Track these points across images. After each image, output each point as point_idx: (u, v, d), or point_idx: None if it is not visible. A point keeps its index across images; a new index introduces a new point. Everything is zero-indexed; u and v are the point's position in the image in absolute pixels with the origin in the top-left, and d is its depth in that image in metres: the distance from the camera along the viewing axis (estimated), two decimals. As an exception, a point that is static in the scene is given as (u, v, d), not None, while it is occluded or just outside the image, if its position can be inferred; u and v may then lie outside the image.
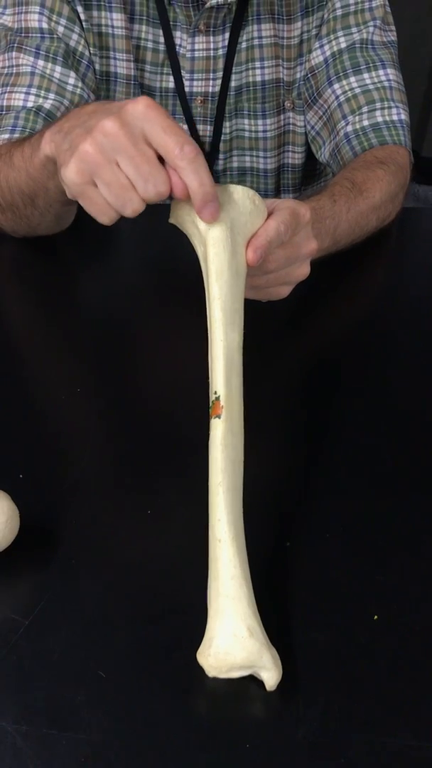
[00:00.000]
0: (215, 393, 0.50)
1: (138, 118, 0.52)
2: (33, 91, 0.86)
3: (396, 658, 0.47)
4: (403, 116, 0.95)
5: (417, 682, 0.46)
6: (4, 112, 0.86)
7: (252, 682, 0.44)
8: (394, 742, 0.42)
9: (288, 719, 0.43)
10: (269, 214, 0.58)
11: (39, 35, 0.88)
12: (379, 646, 0.47)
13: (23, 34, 0.88)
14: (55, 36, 0.88)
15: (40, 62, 0.87)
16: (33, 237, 0.84)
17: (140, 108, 0.52)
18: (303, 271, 0.64)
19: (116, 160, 0.53)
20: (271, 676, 0.43)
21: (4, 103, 0.87)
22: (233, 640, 0.44)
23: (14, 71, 0.88)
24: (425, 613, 0.49)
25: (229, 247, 0.54)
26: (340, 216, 0.78)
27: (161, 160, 0.53)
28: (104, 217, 0.56)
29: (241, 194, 0.56)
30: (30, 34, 0.88)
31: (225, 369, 0.51)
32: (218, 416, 0.49)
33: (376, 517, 0.56)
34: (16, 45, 0.88)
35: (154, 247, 0.91)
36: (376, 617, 0.49)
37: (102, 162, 0.53)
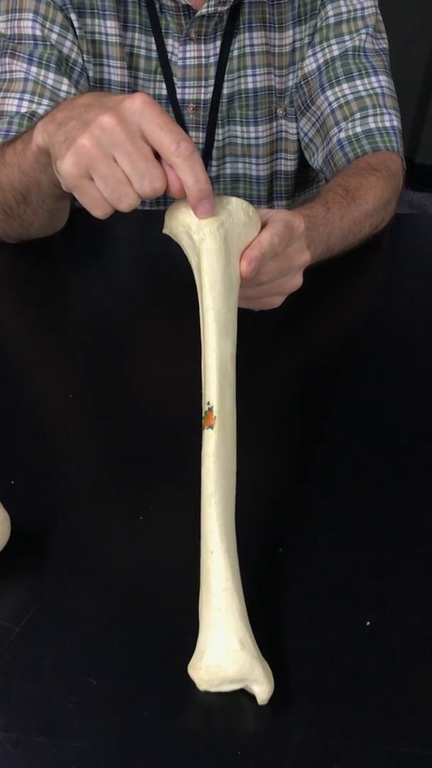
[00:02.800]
0: (208, 404, 0.50)
1: (135, 114, 0.52)
2: (27, 97, 0.86)
3: (388, 664, 0.47)
4: (395, 122, 0.95)
5: (410, 688, 0.46)
6: None
7: (243, 694, 0.44)
8: (387, 750, 0.42)
9: (280, 728, 0.43)
10: (263, 226, 0.58)
11: (32, 42, 0.88)
12: (372, 653, 0.47)
13: (16, 41, 0.88)
14: (48, 43, 0.88)
15: (33, 69, 0.87)
16: (26, 241, 0.84)
17: (137, 104, 0.52)
18: (296, 282, 0.64)
19: (113, 155, 0.53)
20: (263, 689, 0.43)
21: None
22: (225, 653, 0.43)
23: (7, 77, 0.88)
24: (417, 618, 0.50)
25: (223, 258, 0.54)
26: (333, 223, 0.78)
27: (158, 156, 0.53)
28: (99, 210, 0.56)
29: (235, 205, 0.56)
30: (23, 41, 0.88)
31: (218, 380, 0.51)
32: (211, 427, 0.49)
33: (369, 523, 0.56)
34: (9, 51, 0.88)
35: (148, 256, 0.91)
36: (368, 623, 0.49)
37: (99, 156, 0.53)
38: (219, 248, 0.54)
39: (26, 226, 0.80)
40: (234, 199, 0.57)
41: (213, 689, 0.44)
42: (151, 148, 0.53)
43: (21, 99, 0.86)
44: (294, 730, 0.43)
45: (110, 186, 0.54)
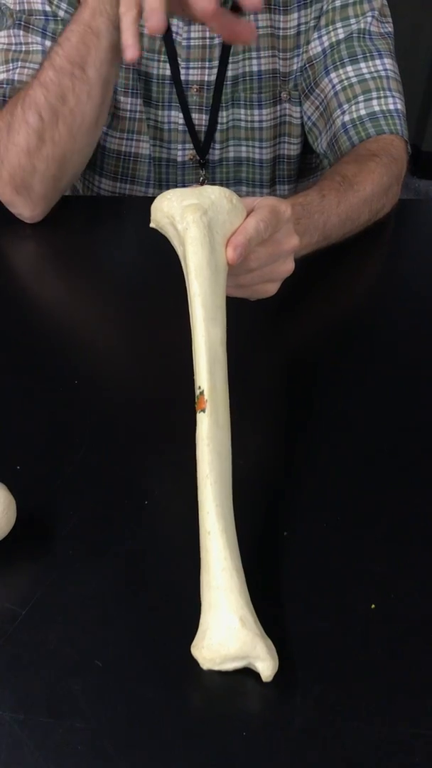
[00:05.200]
0: (199, 388, 0.51)
1: None
2: None
3: (393, 646, 0.47)
4: (399, 105, 0.95)
5: (414, 670, 0.46)
6: (17, 85, 0.87)
7: (248, 675, 0.44)
8: (390, 731, 0.43)
9: (284, 708, 0.43)
10: (249, 213, 0.58)
11: (44, 17, 0.89)
12: (376, 635, 0.47)
13: (27, 15, 0.89)
14: (59, 19, 0.89)
15: (48, 43, 0.89)
16: (51, 197, 0.86)
17: None
18: (287, 267, 0.64)
19: None
20: (266, 666, 0.43)
21: (15, 77, 0.88)
22: (226, 632, 0.44)
23: (23, 48, 0.89)
24: (422, 601, 0.50)
25: (207, 246, 0.55)
26: (329, 210, 0.78)
27: None
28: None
29: (218, 194, 0.57)
30: (34, 16, 0.89)
31: (208, 364, 0.52)
32: (203, 410, 0.50)
33: (372, 505, 0.56)
34: (22, 24, 0.89)
35: (140, 244, 0.91)
36: (373, 606, 0.49)
37: None
38: (203, 236, 0.55)
39: (74, 133, 0.81)
40: (216, 188, 0.57)
41: (216, 668, 0.44)
42: None
43: None
44: (299, 711, 0.43)
45: None
